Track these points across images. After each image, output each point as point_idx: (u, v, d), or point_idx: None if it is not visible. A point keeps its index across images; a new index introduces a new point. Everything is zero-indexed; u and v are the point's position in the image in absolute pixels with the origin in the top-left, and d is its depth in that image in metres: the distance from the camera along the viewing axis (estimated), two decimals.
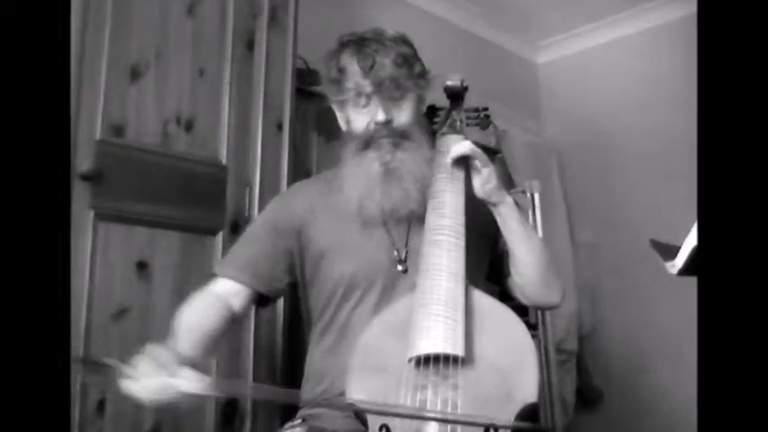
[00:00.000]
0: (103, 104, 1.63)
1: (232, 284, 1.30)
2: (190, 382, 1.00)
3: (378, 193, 1.23)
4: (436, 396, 1.00)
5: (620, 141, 3.49)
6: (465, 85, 1.38)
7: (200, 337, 1.20)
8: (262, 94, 1.93)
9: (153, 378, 1.00)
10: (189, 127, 1.78)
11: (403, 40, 1.29)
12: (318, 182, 1.41)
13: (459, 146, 1.19)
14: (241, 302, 1.30)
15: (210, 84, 1.84)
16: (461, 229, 1.16)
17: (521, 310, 1.19)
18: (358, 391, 1.04)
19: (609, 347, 3.44)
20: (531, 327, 2.50)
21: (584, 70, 3.73)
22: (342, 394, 1.10)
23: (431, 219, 1.18)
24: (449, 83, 1.37)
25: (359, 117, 1.27)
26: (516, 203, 1.24)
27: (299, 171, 2.08)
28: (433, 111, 1.39)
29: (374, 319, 1.14)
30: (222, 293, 1.29)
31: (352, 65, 1.25)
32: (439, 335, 1.02)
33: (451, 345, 1.01)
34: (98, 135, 1.61)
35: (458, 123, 1.35)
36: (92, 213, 1.58)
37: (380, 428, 0.99)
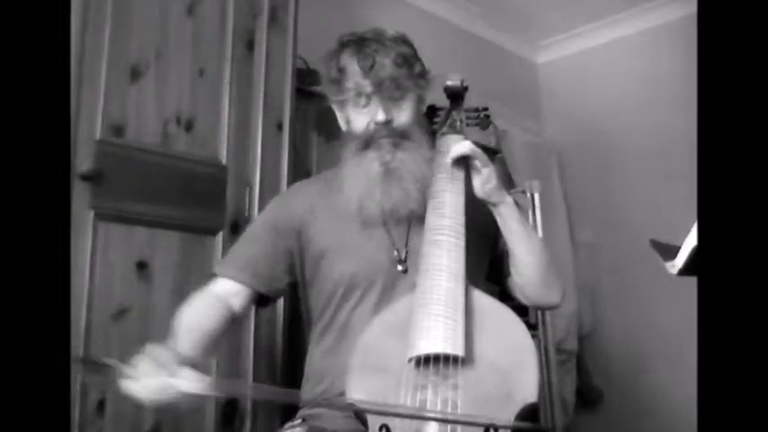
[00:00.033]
0: (103, 104, 1.63)
1: (232, 284, 1.30)
2: (190, 382, 1.00)
3: (378, 193, 1.23)
4: (436, 396, 1.00)
5: (620, 141, 3.49)
6: (465, 85, 1.38)
7: (200, 337, 1.20)
8: (262, 94, 1.93)
9: (153, 378, 1.00)
10: (189, 127, 1.78)
11: (403, 40, 1.29)
12: (318, 182, 1.41)
13: (460, 146, 1.19)
14: (241, 302, 1.30)
15: (210, 84, 1.84)
16: (461, 229, 1.16)
17: (521, 310, 1.19)
18: (358, 391, 1.04)
19: (609, 347, 3.44)
20: (531, 327, 2.50)
21: (584, 70, 3.73)
22: (342, 394, 1.10)
23: (431, 219, 1.18)
24: (449, 83, 1.37)
25: (359, 117, 1.27)
26: (516, 203, 1.24)
27: (299, 171, 2.08)
28: (433, 111, 1.39)
29: (374, 319, 1.14)
30: (222, 293, 1.29)
31: (352, 65, 1.25)
32: (439, 335, 1.02)
33: (451, 345, 1.01)
34: (98, 135, 1.61)
35: (458, 123, 1.35)
36: (92, 213, 1.58)
37: (380, 428, 0.99)
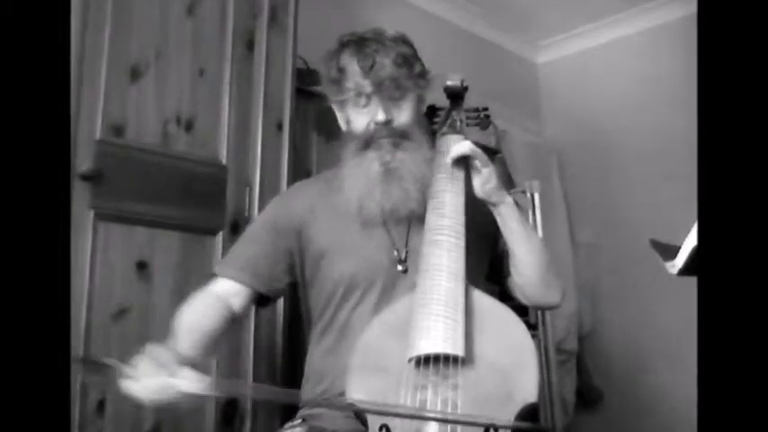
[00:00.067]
0: (103, 104, 1.63)
1: (232, 284, 1.30)
2: (190, 382, 1.00)
3: (378, 193, 1.23)
4: (436, 396, 1.00)
5: (620, 141, 3.49)
6: (465, 85, 1.38)
7: (200, 337, 1.20)
8: (262, 94, 1.93)
9: (153, 378, 1.00)
10: (189, 127, 1.78)
11: (403, 40, 1.29)
12: (318, 182, 1.41)
13: (460, 146, 1.19)
14: (241, 302, 1.30)
15: (210, 84, 1.84)
16: (461, 229, 1.16)
17: (521, 310, 1.19)
18: (358, 391, 1.04)
19: (609, 347, 3.44)
20: (531, 327, 2.50)
21: (584, 70, 3.73)
22: (342, 394, 1.10)
23: (431, 219, 1.18)
24: (449, 83, 1.37)
25: (359, 117, 1.27)
26: (516, 203, 1.24)
27: (299, 171, 2.08)
28: (432, 111, 1.39)
29: (374, 319, 1.14)
30: (222, 293, 1.29)
31: (352, 65, 1.25)
32: (439, 335, 1.02)
33: (451, 345, 1.01)
34: (98, 135, 1.61)
35: (458, 123, 1.35)
36: (92, 213, 1.58)
37: (380, 428, 0.99)
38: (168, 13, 1.78)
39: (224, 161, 1.83)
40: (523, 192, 2.76)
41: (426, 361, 1.02)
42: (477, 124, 1.38)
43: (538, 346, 2.24)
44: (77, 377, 1.48)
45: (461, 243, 1.14)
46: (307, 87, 2.21)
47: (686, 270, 0.82)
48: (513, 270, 1.29)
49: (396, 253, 1.26)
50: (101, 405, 1.53)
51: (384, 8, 2.98)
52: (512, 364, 1.04)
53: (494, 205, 1.21)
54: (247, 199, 1.86)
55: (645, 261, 1.63)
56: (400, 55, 1.25)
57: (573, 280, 3.38)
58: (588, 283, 3.50)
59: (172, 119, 1.75)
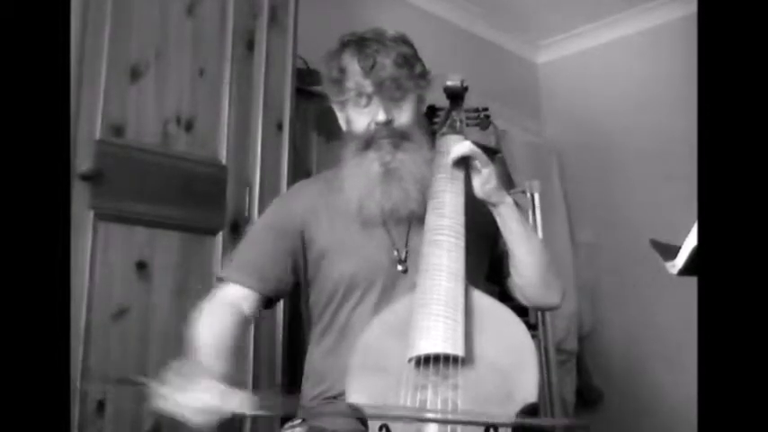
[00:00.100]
0: (103, 104, 1.63)
1: (240, 289, 1.28)
2: (225, 398, 0.98)
3: (378, 193, 1.23)
4: (436, 396, 0.99)
5: (620, 141, 3.49)
6: (465, 85, 1.38)
7: (226, 349, 1.17)
8: (262, 94, 1.93)
9: (188, 394, 0.98)
10: (189, 127, 1.78)
11: (403, 41, 1.29)
12: (318, 182, 1.41)
13: (460, 146, 1.19)
14: (251, 307, 1.29)
15: (210, 84, 1.84)
16: (461, 230, 1.16)
17: (521, 311, 1.19)
18: (358, 392, 1.04)
19: (609, 347, 3.44)
20: (531, 327, 2.50)
21: (584, 70, 3.73)
22: (342, 394, 1.10)
23: (431, 219, 1.18)
24: (449, 83, 1.37)
25: (359, 117, 1.26)
26: (516, 203, 1.24)
27: (299, 171, 2.08)
28: (432, 111, 1.39)
29: (374, 319, 1.14)
30: (233, 299, 1.27)
31: (352, 65, 1.25)
32: (439, 335, 1.02)
33: (451, 345, 1.01)
34: (98, 135, 1.61)
35: (458, 123, 1.34)
36: (92, 213, 1.58)
37: (380, 428, 0.99)
38: (168, 13, 1.78)
39: (224, 161, 1.84)
40: (523, 192, 2.76)
41: (426, 361, 1.02)
42: (476, 124, 1.38)
43: (538, 346, 2.24)
44: (77, 377, 1.48)
45: (461, 243, 1.14)
46: (307, 87, 2.21)
47: (686, 270, 0.82)
48: (512, 271, 1.29)
49: (396, 253, 1.26)
50: (101, 405, 1.53)
51: (384, 8, 2.98)
52: (512, 364, 1.04)
53: (494, 205, 1.21)
54: (247, 199, 1.86)
55: (645, 261, 1.63)
56: (401, 55, 1.25)
57: (573, 280, 3.38)
58: (588, 283, 3.50)
59: (172, 119, 1.75)
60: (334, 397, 1.19)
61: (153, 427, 1.61)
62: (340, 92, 1.27)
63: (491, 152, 2.90)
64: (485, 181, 1.18)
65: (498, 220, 1.23)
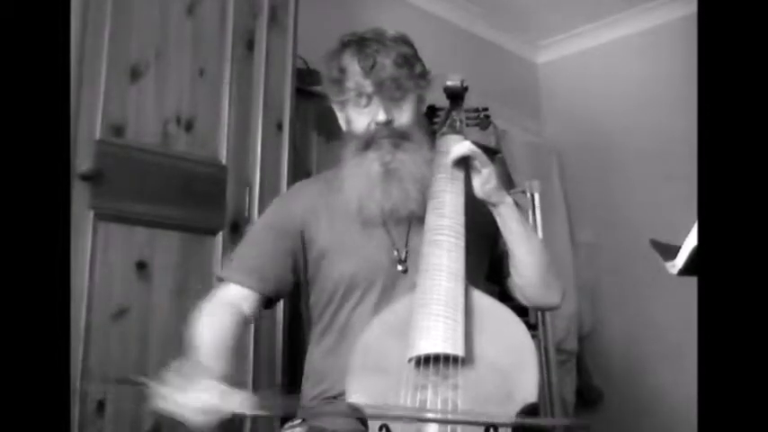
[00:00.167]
0: (103, 104, 1.63)
1: (240, 290, 1.28)
2: (225, 398, 0.98)
3: (378, 193, 1.22)
4: (436, 396, 1.00)
5: (620, 141, 3.49)
6: (465, 85, 1.38)
7: (226, 350, 1.17)
8: (262, 94, 1.93)
9: (188, 394, 0.98)
10: (189, 127, 1.78)
11: (403, 41, 1.29)
12: (318, 182, 1.41)
13: (460, 146, 1.19)
14: (251, 307, 1.29)
15: (210, 84, 1.84)
16: (461, 230, 1.16)
17: (521, 311, 1.19)
18: (358, 392, 1.04)
19: (609, 347, 3.44)
20: (531, 327, 2.50)
21: (584, 70, 3.73)
22: (342, 394, 1.10)
23: (431, 219, 1.18)
24: (449, 83, 1.37)
25: (360, 117, 1.26)
26: (516, 203, 1.24)
27: (299, 171, 2.08)
28: (432, 111, 1.39)
29: (374, 319, 1.14)
30: (233, 300, 1.27)
31: (353, 65, 1.25)
32: (439, 335, 1.02)
33: (451, 345, 1.01)
34: (98, 135, 1.61)
35: (457, 123, 1.34)
36: (92, 213, 1.58)
37: (380, 428, 0.99)
38: (168, 13, 1.78)
39: (224, 161, 1.84)
40: (523, 192, 2.76)
41: (426, 361, 1.02)
42: (476, 124, 1.38)
43: (538, 346, 2.24)
44: (77, 377, 1.48)
45: (461, 243, 1.14)
46: (307, 87, 2.21)
47: (686, 270, 0.82)
48: (512, 271, 1.29)
49: (396, 253, 1.26)
50: (101, 405, 1.53)
51: (384, 8, 2.98)
52: (512, 364, 1.04)
53: (494, 205, 1.21)
54: (247, 199, 1.86)
55: (645, 261, 1.63)
56: (401, 55, 1.25)
57: (573, 280, 3.38)
58: (588, 283, 3.50)
59: (172, 119, 1.75)
60: (334, 397, 1.19)
61: (153, 427, 1.61)
62: (340, 92, 1.27)
63: (491, 152, 2.90)
64: (485, 181, 1.18)
65: (498, 219, 1.23)
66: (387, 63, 1.23)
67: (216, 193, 1.81)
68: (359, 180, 1.24)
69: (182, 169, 1.75)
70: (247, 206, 1.86)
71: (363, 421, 1.03)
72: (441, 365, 1.01)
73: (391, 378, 1.03)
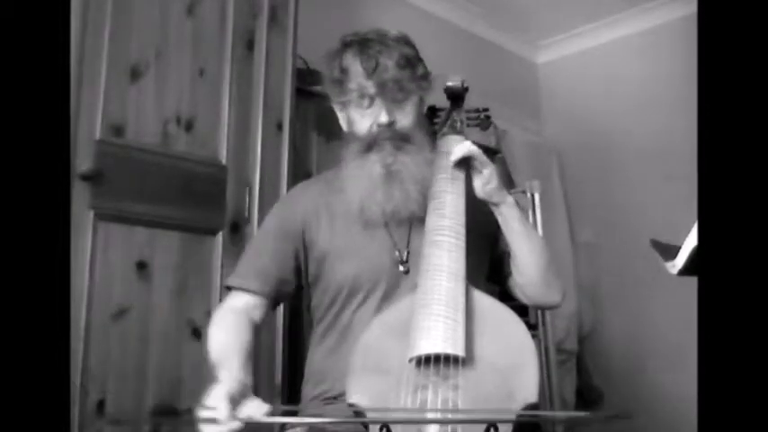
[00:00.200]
0: (103, 104, 1.63)
1: (250, 297, 1.28)
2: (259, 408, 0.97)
3: (379, 194, 1.22)
4: (436, 396, 0.99)
5: (620, 141, 3.49)
6: (465, 85, 1.38)
7: (245, 359, 1.16)
8: (262, 94, 1.93)
9: (233, 414, 0.96)
10: (189, 127, 1.78)
11: (405, 41, 1.29)
12: (319, 183, 1.40)
13: (460, 147, 1.19)
14: (261, 314, 1.29)
15: (210, 84, 1.84)
16: (462, 230, 1.16)
17: (521, 310, 1.19)
18: (358, 392, 1.04)
19: (609, 347, 3.44)
20: (531, 327, 2.50)
21: (584, 70, 3.73)
22: (342, 395, 1.10)
23: (431, 219, 1.18)
24: (449, 84, 1.37)
25: (361, 118, 1.26)
26: (516, 203, 1.24)
27: (299, 171, 2.08)
28: (433, 111, 1.39)
29: (374, 319, 1.14)
30: (244, 308, 1.27)
31: (355, 65, 1.24)
32: (439, 335, 1.02)
33: (452, 345, 1.01)
34: (98, 135, 1.61)
35: (458, 124, 1.34)
36: (92, 213, 1.58)
37: (381, 429, 0.99)
38: (168, 13, 1.78)
39: (224, 161, 1.83)
40: (523, 192, 2.76)
41: (427, 361, 1.02)
42: (477, 125, 1.38)
43: (538, 346, 2.24)
44: (77, 377, 1.48)
45: (462, 243, 1.14)
46: (307, 87, 2.21)
47: (686, 270, 0.82)
48: (513, 270, 1.29)
49: (397, 254, 1.26)
50: (101, 405, 1.53)
51: (384, 8, 2.98)
52: (512, 365, 1.04)
53: (495, 205, 1.21)
54: (247, 199, 1.86)
55: (645, 261, 1.63)
56: (403, 56, 1.25)
57: (573, 280, 3.38)
58: (588, 283, 3.50)
59: (172, 119, 1.75)
60: (335, 397, 1.19)
61: (153, 427, 1.61)
62: (342, 92, 1.27)
63: (491, 152, 2.90)
64: (486, 181, 1.18)
65: (500, 219, 1.23)
66: (389, 64, 1.23)
67: (216, 193, 1.81)
68: (361, 182, 1.24)
69: (182, 169, 1.75)
70: (247, 206, 1.86)
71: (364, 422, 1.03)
72: (441, 366, 1.01)
73: (392, 378, 1.03)
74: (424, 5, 3.28)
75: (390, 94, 1.23)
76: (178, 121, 1.76)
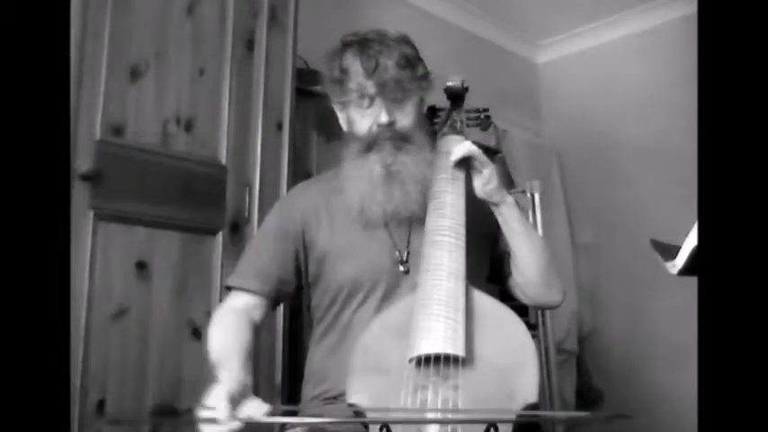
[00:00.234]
0: (103, 104, 1.63)
1: (250, 297, 1.28)
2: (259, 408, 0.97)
3: (380, 195, 1.22)
4: (436, 396, 0.99)
5: (620, 141, 3.49)
6: (465, 86, 1.38)
7: (245, 359, 1.16)
8: (262, 94, 1.93)
9: (233, 414, 0.96)
10: (189, 127, 1.78)
11: (405, 41, 1.29)
12: (319, 183, 1.40)
13: (460, 147, 1.19)
14: (261, 314, 1.29)
15: (210, 84, 1.84)
16: (462, 230, 1.16)
17: (521, 310, 1.19)
18: (358, 392, 1.04)
19: (609, 347, 3.44)
20: (531, 327, 2.50)
21: (584, 70, 3.73)
22: (342, 395, 1.10)
23: (431, 219, 1.18)
24: (449, 84, 1.37)
25: (362, 119, 1.26)
26: (516, 203, 1.24)
27: (299, 171, 2.08)
28: (433, 111, 1.39)
29: (374, 319, 1.14)
30: (244, 308, 1.27)
31: (355, 65, 1.24)
32: (439, 335, 1.02)
33: (452, 345, 1.01)
34: (98, 135, 1.61)
35: (458, 124, 1.34)
36: (92, 213, 1.58)
37: (381, 429, 0.99)
38: (168, 13, 1.78)
39: (224, 161, 1.84)
40: (523, 192, 2.76)
41: (427, 361, 1.02)
42: (477, 125, 1.38)
43: (538, 346, 2.24)
44: (77, 377, 1.48)
45: (462, 243, 1.14)
46: (307, 87, 2.21)
47: (686, 270, 0.82)
48: (514, 270, 1.29)
49: (397, 254, 1.26)
50: (101, 405, 1.53)
51: (384, 8, 2.98)
52: (512, 365, 1.04)
53: (495, 205, 1.21)
54: (247, 199, 1.86)
55: (645, 261, 1.63)
56: (403, 56, 1.25)
57: (573, 280, 3.38)
58: (588, 283, 3.50)
59: (172, 119, 1.75)
60: (335, 397, 1.19)
61: (153, 427, 1.61)
62: (342, 92, 1.26)
63: (491, 152, 2.90)
64: (486, 181, 1.18)
65: (500, 219, 1.23)
66: (389, 64, 1.23)
67: (216, 193, 1.81)
68: (361, 182, 1.24)
69: (182, 169, 1.75)
70: (247, 206, 1.86)
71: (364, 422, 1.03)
72: (441, 366, 1.01)
73: (392, 378, 1.03)
74: (424, 5, 3.28)
75: (390, 94, 1.23)
76: (178, 121, 1.76)
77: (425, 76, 1.29)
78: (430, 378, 1.01)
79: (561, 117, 3.80)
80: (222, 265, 1.77)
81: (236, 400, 0.98)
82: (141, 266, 1.65)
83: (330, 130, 1.83)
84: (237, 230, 1.82)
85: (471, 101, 1.40)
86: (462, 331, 1.03)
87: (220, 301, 1.56)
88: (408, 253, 1.26)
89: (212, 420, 0.95)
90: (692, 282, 0.78)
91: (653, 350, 3.21)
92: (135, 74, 1.70)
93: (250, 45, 1.94)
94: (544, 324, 2.69)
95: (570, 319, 3.28)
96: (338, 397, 1.17)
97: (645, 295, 3.24)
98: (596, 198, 3.56)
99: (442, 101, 1.39)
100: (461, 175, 1.23)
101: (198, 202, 1.77)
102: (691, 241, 0.80)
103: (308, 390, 1.27)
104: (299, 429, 1.17)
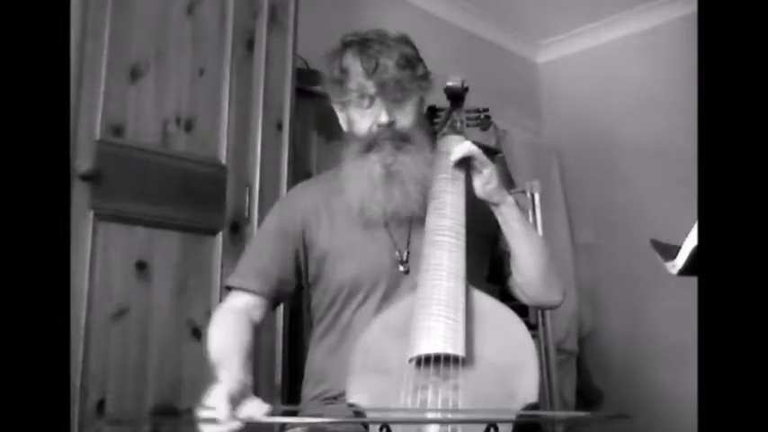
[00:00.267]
0: (103, 104, 1.63)
1: (250, 297, 1.28)
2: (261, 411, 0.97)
3: (380, 195, 1.22)
4: (436, 396, 0.99)
5: (620, 141, 3.49)
6: (465, 86, 1.38)
7: (245, 359, 1.16)
8: (262, 94, 1.93)
9: (233, 414, 0.95)
10: (189, 127, 1.78)
11: (405, 41, 1.29)
12: (319, 183, 1.40)
13: (460, 147, 1.19)
14: (261, 314, 1.29)
15: (210, 84, 1.84)
16: (462, 230, 1.16)
17: (521, 310, 1.19)
18: (358, 392, 1.04)
19: (609, 347, 3.44)
20: (531, 327, 2.50)
21: (584, 70, 3.73)
22: (342, 395, 1.10)
23: (431, 219, 1.18)
24: (449, 84, 1.37)
25: (362, 119, 1.26)
26: (516, 203, 1.24)
27: (299, 171, 2.08)
28: (433, 111, 1.39)
29: (374, 319, 1.14)
30: (244, 308, 1.27)
31: (355, 65, 1.24)
32: (440, 335, 1.02)
33: (452, 345, 1.01)
34: (98, 135, 1.61)
35: (458, 124, 1.34)
36: (92, 213, 1.58)
37: (381, 429, 0.99)
38: (168, 13, 1.78)
39: (224, 161, 1.84)
40: (523, 192, 2.76)
41: (427, 361, 1.02)
42: (477, 125, 1.38)
43: (538, 346, 2.24)
44: (77, 377, 1.48)
45: (462, 243, 1.14)
46: (307, 87, 2.21)
47: (686, 270, 0.82)
48: (514, 270, 1.29)
49: (397, 254, 1.26)
50: (101, 405, 1.53)
51: (384, 8, 2.98)
52: (512, 365, 1.04)
53: (495, 205, 1.21)
54: (247, 199, 1.86)
55: (645, 261, 1.63)
56: (403, 56, 1.25)
57: (573, 280, 3.38)
58: (588, 284, 3.50)
59: (172, 119, 1.75)
60: (335, 397, 1.19)
61: (153, 427, 1.61)
62: (342, 92, 1.26)
63: (491, 152, 2.90)
64: (486, 181, 1.18)
65: (500, 219, 1.23)
66: (389, 64, 1.23)
67: (216, 193, 1.81)
68: (361, 182, 1.24)
69: (182, 169, 1.75)
70: (247, 206, 1.86)
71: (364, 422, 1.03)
72: (441, 366, 1.01)
73: (392, 378, 1.03)
74: (424, 5, 3.28)
75: (390, 94, 1.23)
76: (178, 121, 1.76)
77: (425, 76, 1.29)
78: (430, 378, 1.01)
79: (561, 117, 3.80)
80: (222, 265, 1.77)
81: (236, 400, 0.98)
82: (141, 266, 1.65)
83: (330, 130, 1.83)
84: (237, 230, 1.82)
85: (471, 101, 1.40)
86: (462, 331, 1.03)
87: (220, 301, 1.56)
88: (408, 253, 1.26)
89: (212, 420, 0.94)
90: (692, 282, 0.78)
91: (653, 350, 3.21)
92: (135, 74, 1.70)
93: (250, 45, 1.94)
94: (544, 324, 2.69)
95: (570, 319, 3.28)
96: (338, 397, 1.17)
97: (645, 295, 3.24)
98: (596, 198, 3.56)
99: (442, 101, 1.39)
100: (461, 175, 1.23)
101: (198, 202, 1.77)
102: (691, 241, 0.80)
103: (308, 390, 1.27)
104: (299, 429, 1.17)
